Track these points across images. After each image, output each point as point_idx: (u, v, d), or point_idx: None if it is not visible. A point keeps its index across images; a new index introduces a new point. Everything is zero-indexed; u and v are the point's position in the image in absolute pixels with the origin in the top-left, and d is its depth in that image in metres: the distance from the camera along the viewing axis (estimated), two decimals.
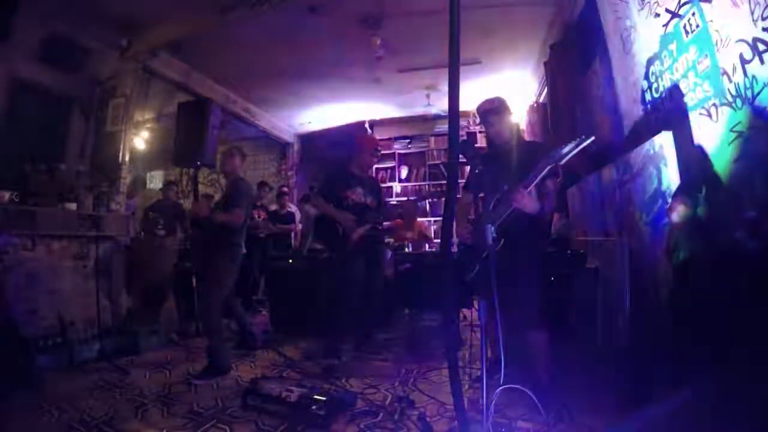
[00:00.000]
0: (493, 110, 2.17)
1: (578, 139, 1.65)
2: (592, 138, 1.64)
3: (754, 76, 1.49)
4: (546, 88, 4.42)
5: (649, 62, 2.27)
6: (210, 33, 3.83)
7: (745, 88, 1.53)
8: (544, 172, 1.72)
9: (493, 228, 1.64)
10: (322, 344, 3.04)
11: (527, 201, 1.80)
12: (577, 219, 3.71)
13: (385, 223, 5.54)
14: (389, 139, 7.09)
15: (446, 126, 1.26)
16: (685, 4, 1.89)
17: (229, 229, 2.78)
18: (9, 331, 2.49)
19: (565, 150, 1.66)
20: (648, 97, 2.32)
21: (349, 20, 3.85)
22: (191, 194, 3.17)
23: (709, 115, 1.76)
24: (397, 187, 6.98)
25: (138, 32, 3.87)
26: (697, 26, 1.80)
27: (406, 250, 4.25)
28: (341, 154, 3.07)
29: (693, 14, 1.83)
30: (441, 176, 6.69)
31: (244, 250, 2.91)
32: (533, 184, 1.77)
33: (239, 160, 3.05)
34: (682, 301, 1.79)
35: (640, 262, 2.26)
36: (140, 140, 6.03)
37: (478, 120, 2.32)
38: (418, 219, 5.87)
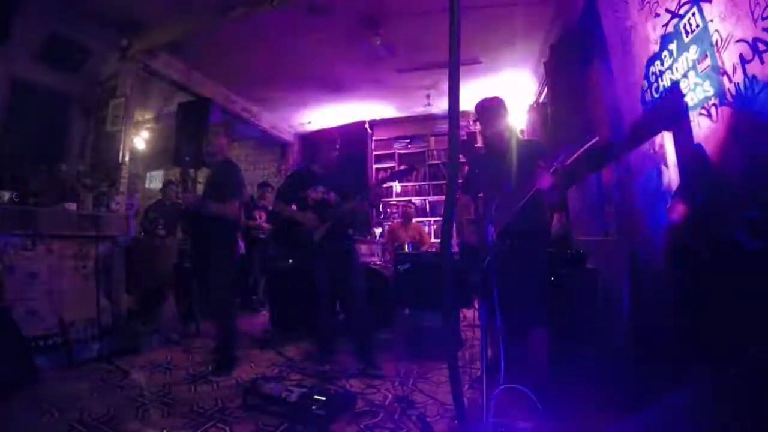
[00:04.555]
0: (491, 110, 2.18)
1: (583, 140, 1.66)
2: (597, 139, 1.64)
3: (754, 76, 1.48)
4: (546, 88, 4.42)
5: (649, 62, 2.26)
6: (210, 33, 3.82)
7: (745, 88, 1.53)
8: (562, 158, 1.71)
9: (495, 229, 1.65)
10: (316, 348, 3.04)
11: (549, 180, 1.76)
12: (577, 219, 3.71)
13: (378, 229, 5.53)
14: (389, 139, 7.10)
15: (446, 126, 1.26)
16: (685, 4, 1.89)
17: (227, 222, 2.73)
18: (9, 331, 2.49)
19: (571, 150, 1.67)
20: (648, 97, 2.32)
21: (349, 20, 3.85)
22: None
23: (709, 115, 1.76)
24: (397, 187, 6.98)
25: (138, 32, 3.87)
26: (697, 26, 1.80)
27: (406, 249, 4.24)
28: (342, 153, 3.01)
29: (693, 14, 1.83)
30: (441, 176, 6.69)
31: (243, 251, 2.89)
32: (553, 168, 1.74)
33: (225, 140, 2.95)
34: (682, 301, 1.79)
35: (640, 262, 2.26)
36: (140, 140, 6.03)
37: (475, 119, 2.31)
38: (415, 220, 5.88)
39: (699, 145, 1.85)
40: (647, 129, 2.29)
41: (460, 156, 1.76)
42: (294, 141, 7.38)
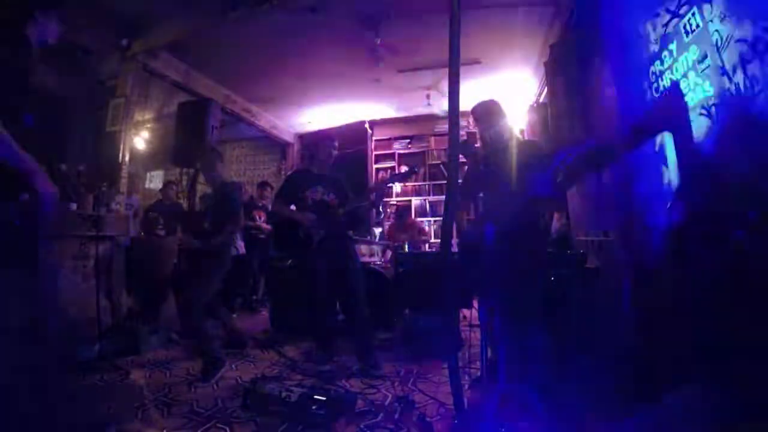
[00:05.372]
0: (488, 112, 2.19)
1: (583, 143, 1.66)
2: (597, 140, 1.65)
3: (754, 76, 1.48)
4: (546, 88, 4.42)
5: (649, 62, 2.26)
6: (210, 33, 3.83)
7: (745, 88, 1.53)
8: (562, 158, 1.72)
9: (493, 228, 1.65)
10: (316, 348, 3.04)
11: (545, 184, 1.77)
12: (577, 219, 3.71)
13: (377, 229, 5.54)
14: (389, 139, 7.10)
15: (446, 126, 1.26)
16: (685, 4, 1.89)
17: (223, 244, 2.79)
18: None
19: (571, 152, 1.67)
20: (648, 97, 2.32)
21: (349, 20, 3.85)
22: (190, 195, 3.16)
23: (709, 115, 1.76)
24: (397, 187, 6.98)
25: (138, 32, 3.88)
26: (697, 26, 1.80)
27: (405, 249, 4.25)
28: (341, 153, 3.02)
29: (693, 14, 1.83)
30: (441, 176, 6.69)
31: (243, 251, 2.90)
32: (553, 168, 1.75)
33: (219, 163, 3.02)
34: (682, 301, 1.79)
35: (640, 262, 2.26)
36: (140, 140, 6.03)
37: (473, 122, 2.32)
38: (415, 218, 5.88)
39: (699, 146, 1.85)
40: (647, 129, 2.29)
41: (460, 156, 1.75)
42: (294, 141, 7.39)
